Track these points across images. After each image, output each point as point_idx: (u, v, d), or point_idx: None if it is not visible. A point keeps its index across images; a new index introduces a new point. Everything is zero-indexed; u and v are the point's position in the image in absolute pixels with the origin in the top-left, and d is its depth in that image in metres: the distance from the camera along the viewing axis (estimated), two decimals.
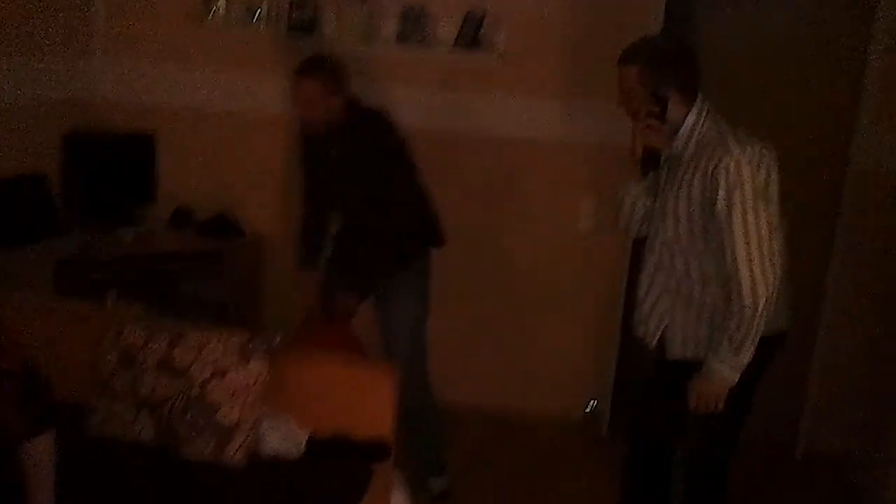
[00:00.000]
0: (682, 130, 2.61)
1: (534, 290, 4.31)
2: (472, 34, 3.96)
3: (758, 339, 2.51)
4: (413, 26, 4.02)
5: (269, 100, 4.32)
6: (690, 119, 2.60)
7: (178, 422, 2.63)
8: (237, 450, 2.62)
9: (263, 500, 2.54)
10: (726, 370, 2.55)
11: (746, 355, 2.52)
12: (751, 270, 2.46)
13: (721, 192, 2.47)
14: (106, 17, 4.44)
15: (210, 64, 4.39)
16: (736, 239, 2.47)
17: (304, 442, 2.71)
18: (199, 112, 4.44)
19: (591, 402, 4.34)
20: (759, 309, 2.47)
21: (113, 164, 4.37)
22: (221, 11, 4.26)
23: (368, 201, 3.31)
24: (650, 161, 2.66)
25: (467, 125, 4.18)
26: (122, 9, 4.42)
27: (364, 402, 2.74)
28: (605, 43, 3.93)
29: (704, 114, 2.61)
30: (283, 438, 2.70)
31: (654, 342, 2.80)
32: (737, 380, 2.56)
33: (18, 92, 3.94)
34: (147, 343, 2.70)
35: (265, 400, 2.69)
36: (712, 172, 2.48)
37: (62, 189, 4.21)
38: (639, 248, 2.93)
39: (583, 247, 4.22)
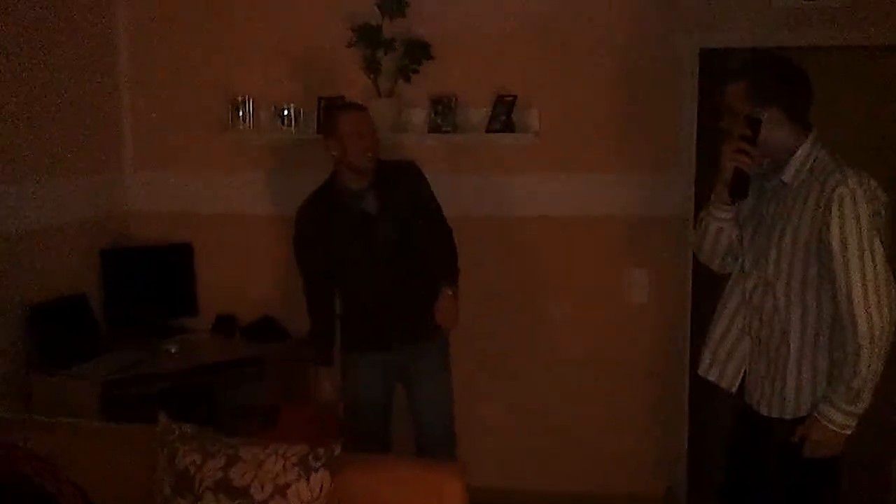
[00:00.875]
0: (794, 158, 2.52)
1: (592, 367, 4.19)
2: (503, 117, 3.93)
3: (875, 384, 2.39)
4: (444, 115, 3.99)
5: (303, 200, 4.29)
6: (806, 147, 2.51)
7: None
8: None
9: None
10: (842, 418, 2.41)
11: (864, 402, 2.40)
12: (867, 312, 2.34)
13: (834, 226, 2.37)
14: (134, 133, 4.49)
15: (241, 169, 4.41)
16: (852, 277, 2.35)
17: None
18: (235, 217, 4.44)
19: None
20: (879, 353, 2.35)
21: (152, 276, 4.37)
22: (249, 117, 4.27)
23: (412, 245, 3.35)
24: (740, 186, 2.55)
25: (509, 207, 4.13)
26: (150, 123, 4.48)
27: None
28: (639, 115, 3.96)
29: (819, 144, 2.52)
30: None
31: (734, 388, 2.70)
32: (854, 427, 2.43)
33: (54, 213, 3.97)
34: (203, 465, 2.60)
35: None
36: (826, 203, 2.39)
37: (103, 306, 4.19)
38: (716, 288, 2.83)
39: (637, 319, 4.11)
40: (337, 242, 3.38)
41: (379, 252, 3.36)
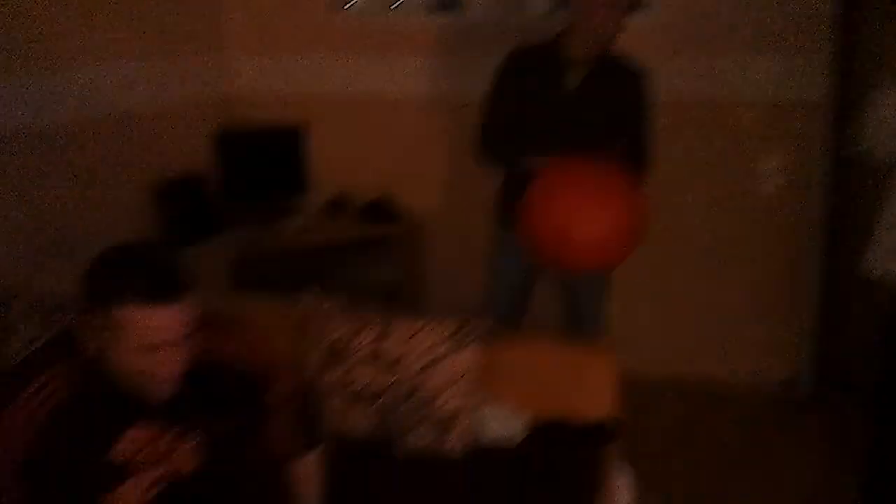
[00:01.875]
0: None
1: (723, 257, 4.10)
2: None
3: None
4: None
5: (414, 81, 4.24)
6: None
7: (393, 415, 2.56)
8: (456, 440, 2.54)
9: (487, 488, 2.45)
10: None
11: None
12: None
13: None
14: (241, 13, 4.43)
15: (352, 50, 4.32)
16: None
17: (522, 428, 2.60)
18: (346, 99, 4.39)
19: None
20: None
21: (264, 158, 4.36)
22: None
23: (602, 146, 3.07)
24: None
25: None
26: (257, 2, 4.40)
27: (583, 383, 2.61)
28: None
29: None
30: (502, 425, 2.60)
31: None
32: None
33: (164, 95, 3.94)
34: (354, 337, 2.63)
35: (480, 387, 2.59)
36: None
37: (218, 187, 4.21)
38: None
39: (770, 208, 3.97)
40: (531, 103, 3.12)
41: (566, 132, 3.10)
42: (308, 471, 2.11)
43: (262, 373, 2.05)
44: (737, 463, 3.56)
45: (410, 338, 2.59)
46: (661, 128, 3.86)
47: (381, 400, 2.57)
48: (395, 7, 4.14)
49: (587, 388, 2.61)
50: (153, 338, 1.72)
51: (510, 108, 3.11)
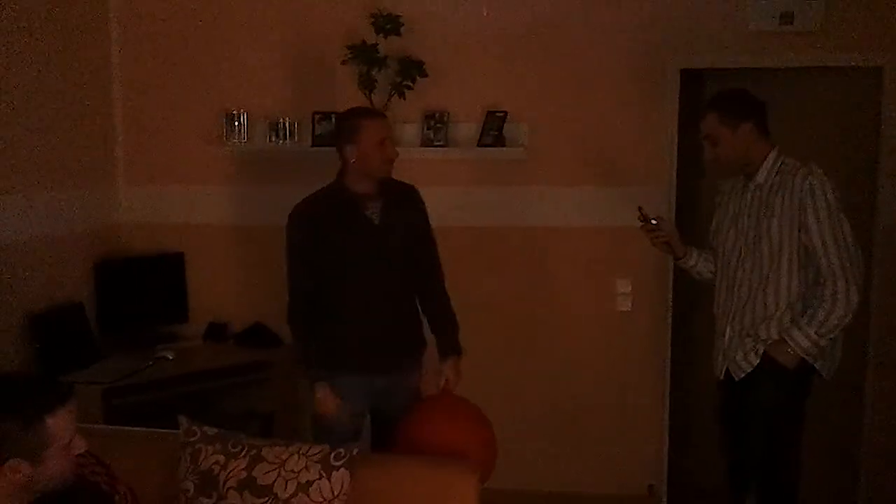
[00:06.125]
0: (765, 164, 3.11)
1: (578, 372, 4.36)
2: (494, 132, 4.09)
3: (836, 333, 3.00)
4: (436, 130, 4.14)
5: (298, 203, 4.37)
6: (773, 155, 3.12)
7: None
8: None
9: None
10: (802, 339, 3.01)
11: (824, 340, 3.01)
12: (844, 272, 2.96)
13: (810, 209, 2.97)
14: (127, 147, 4.58)
15: (234, 181, 4.51)
16: (828, 244, 2.97)
17: None
18: (227, 228, 4.55)
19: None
20: (852, 307, 2.97)
21: (145, 286, 4.45)
22: (244, 131, 4.36)
23: (415, 258, 3.33)
24: (670, 247, 3.53)
25: (500, 218, 4.30)
26: (143, 137, 4.57)
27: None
28: (622, 130, 4.15)
29: (783, 154, 3.13)
30: None
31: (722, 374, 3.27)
32: (806, 352, 3.01)
33: (51, 225, 4.04)
34: (226, 464, 2.70)
35: None
36: (800, 193, 2.98)
37: (97, 315, 4.25)
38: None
39: (623, 327, 4.29)
40: (339, 246, 3.21)
41: (381, 265, 3.24)
42: None
43: (112, 492, 2.13)
44: None
45: (282, 464, 2.68)
46: (524, 251, 4.19)
47: None
48: (277, 138, 4.32)
49: None
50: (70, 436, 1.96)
51: (315, 263, 3.27)
